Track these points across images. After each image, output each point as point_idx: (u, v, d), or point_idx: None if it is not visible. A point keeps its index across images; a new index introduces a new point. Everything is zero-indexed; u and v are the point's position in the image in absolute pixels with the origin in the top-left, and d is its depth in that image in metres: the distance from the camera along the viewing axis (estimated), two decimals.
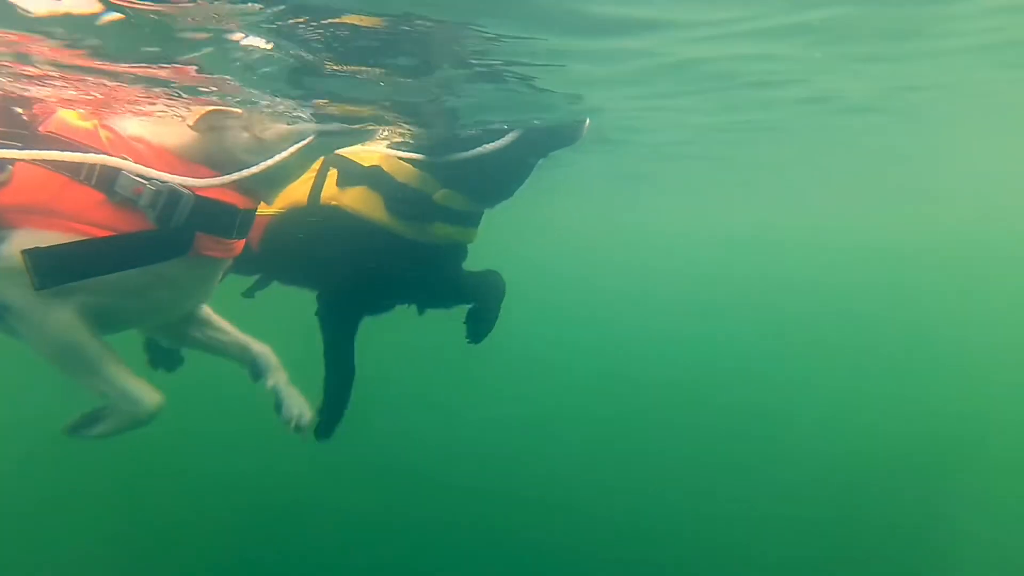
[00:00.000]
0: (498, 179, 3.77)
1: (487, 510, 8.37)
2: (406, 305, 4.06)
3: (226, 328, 3.35)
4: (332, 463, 9.28)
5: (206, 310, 3.33)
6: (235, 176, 2.66)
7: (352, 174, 3.67)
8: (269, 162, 2.71)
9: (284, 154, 2.75)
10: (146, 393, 2.70)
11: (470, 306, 4.09)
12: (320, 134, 2.91)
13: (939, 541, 7.93)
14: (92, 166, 2.49)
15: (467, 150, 3.62)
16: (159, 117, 3.17)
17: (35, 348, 2.61)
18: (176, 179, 2.57)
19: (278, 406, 3.31)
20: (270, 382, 3.30)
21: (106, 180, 2.49)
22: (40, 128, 2.59)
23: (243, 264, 3.70)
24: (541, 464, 9.78)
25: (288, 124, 3.05)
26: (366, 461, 9.35)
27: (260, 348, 3.34)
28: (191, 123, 2.75)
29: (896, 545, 7.98)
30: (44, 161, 2.47)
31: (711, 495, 9.14)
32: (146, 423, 2.72)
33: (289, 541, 7.75)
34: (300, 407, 3.32)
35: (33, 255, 2.41)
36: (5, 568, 6.94)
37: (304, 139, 2.82)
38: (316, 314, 3.89)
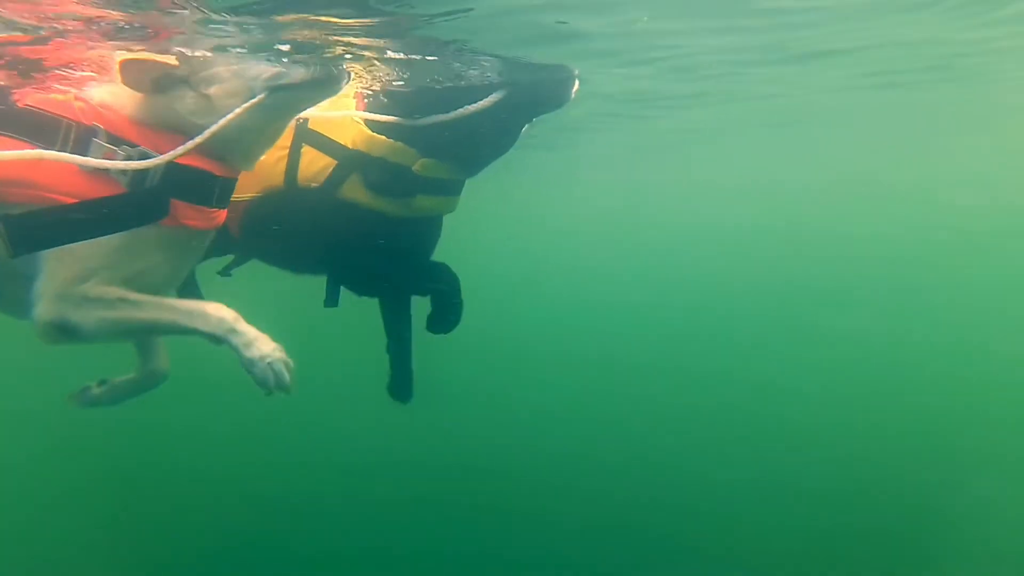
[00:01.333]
0: (480, 145, 3.57)
1: (491, 493, 8.41)
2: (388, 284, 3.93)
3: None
4: (329, 455, 9.33)
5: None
6: (180, 150, 2.57)
7: (326, 152, 3.50)
8: (220, 123, 2.62)
9: (233, 114, 2.64)
10: (209, 308, 2.70)
11: (432, 297, 3.95)
12: (272, 91, 2.73)
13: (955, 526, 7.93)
14: (67, 136, 2.55)
15: (447, 112, 3.40)
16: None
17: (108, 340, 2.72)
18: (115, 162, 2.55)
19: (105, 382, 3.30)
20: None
21: (80, 148, 2.55)
22: (18, 102, 2.63)
23: (225, 248, 3.64)
24: (549, 448, 9.78)
25: (235, 73, 2.84)
26: (365, 453, 9.37)
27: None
28: (120, 78, 2.68)
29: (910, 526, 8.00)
30: (18, 134, 2.52)
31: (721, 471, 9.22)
32: (233, 326, 2.68)
33: (288, 534, 7.75)
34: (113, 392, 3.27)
35: (5, 221, 2.46)
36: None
37: (254, 97, 2.70)
38: (326, 304, 3.80)
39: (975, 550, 7.45)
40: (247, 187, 3.41)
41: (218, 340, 2.68)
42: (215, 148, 2.71)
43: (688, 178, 24.69)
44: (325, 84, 2.87)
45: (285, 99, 2.80)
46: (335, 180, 3.48)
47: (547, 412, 11.46)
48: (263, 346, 2.66)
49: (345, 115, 3.51)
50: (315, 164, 3.50)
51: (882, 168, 24.64)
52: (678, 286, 25.01)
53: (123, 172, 2.57)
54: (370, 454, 9.33)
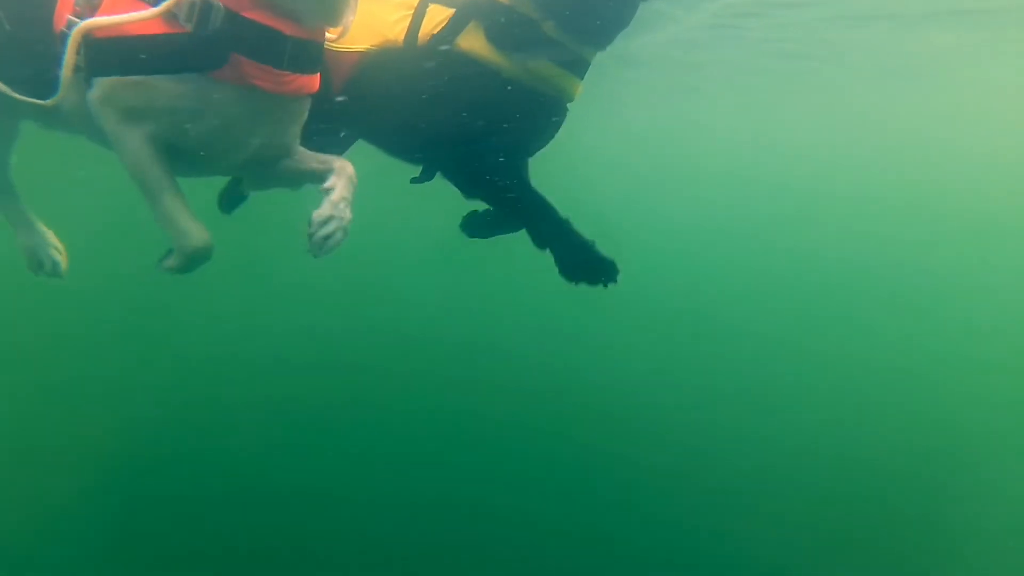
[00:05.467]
0: (602, 11, 3.39)
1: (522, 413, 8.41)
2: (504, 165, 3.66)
3: (306, 156, 3.23)
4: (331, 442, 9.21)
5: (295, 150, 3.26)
6: None
7: (450, 4, 3.39)
8: None
9: None
10: (194, 229, 2.85)
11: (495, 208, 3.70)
12: None
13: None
14: None
15: None
16: None
17: (122, 164, 2.90)
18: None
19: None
20: (327, 184, 3.09)
21: None
22: None
23: (326, 115, 3.42)
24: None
25: None
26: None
27: (340, 163, 3.16)
28: None
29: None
30: None
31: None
32: (198, 259, 2.88)
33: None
34: (331, 222, 3.02)
35: (87, 44, 2.71)
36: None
37: None
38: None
39: (987, 547, 7.43)
40: (361, 38, 3.36)
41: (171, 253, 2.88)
42: (278, 2, 2.71)
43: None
44: None
45: None
46: (454, 27, 3.37)
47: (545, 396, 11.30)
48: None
49: None
50: (437, 16, 3.40)
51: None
52: (681, 276, 24.77)
53: (188, 17, 2.66)
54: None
